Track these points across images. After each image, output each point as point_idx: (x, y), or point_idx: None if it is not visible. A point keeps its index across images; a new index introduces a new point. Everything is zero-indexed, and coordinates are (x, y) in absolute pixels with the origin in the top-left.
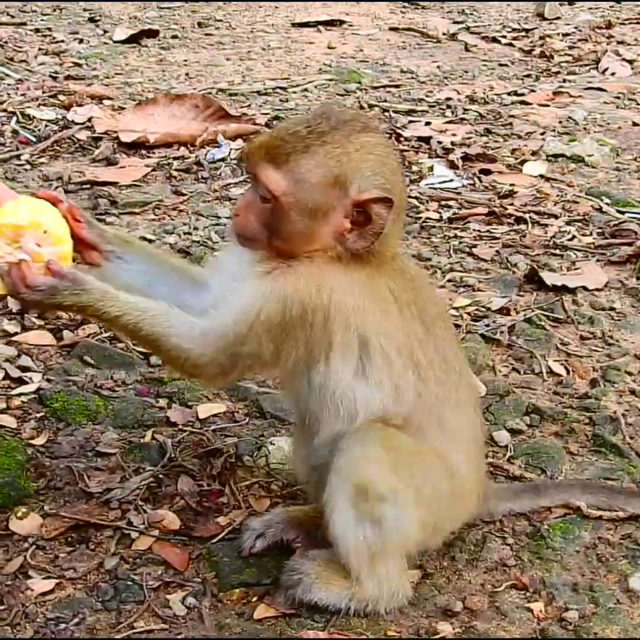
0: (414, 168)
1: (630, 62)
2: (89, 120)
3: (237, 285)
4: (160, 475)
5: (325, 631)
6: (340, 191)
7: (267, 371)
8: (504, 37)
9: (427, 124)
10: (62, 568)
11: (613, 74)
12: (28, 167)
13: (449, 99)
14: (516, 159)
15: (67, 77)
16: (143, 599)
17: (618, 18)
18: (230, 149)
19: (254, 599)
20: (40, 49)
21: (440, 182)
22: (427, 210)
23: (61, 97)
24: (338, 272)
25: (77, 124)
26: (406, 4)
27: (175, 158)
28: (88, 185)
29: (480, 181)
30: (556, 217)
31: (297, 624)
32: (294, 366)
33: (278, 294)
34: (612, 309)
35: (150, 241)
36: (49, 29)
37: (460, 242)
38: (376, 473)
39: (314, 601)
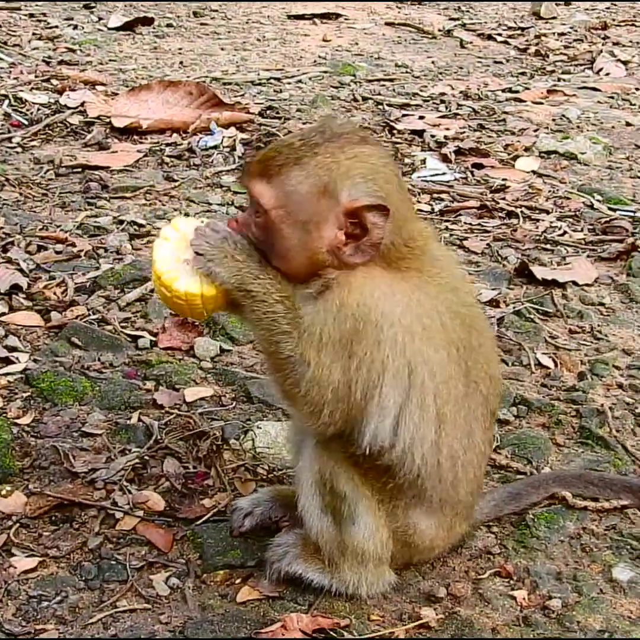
0: (407, 160)
1: (625, 63)
2: (82, 105)
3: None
4: (146, 457)
5: (308, 614)
6: (330, 200)
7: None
8: (500, 35)
9: (421, 117)
10: (46, 546)
11: (607, 74)
12: (19, 150)
13: (443, 94)
14: (509, 154)
15: (61, 62)
16: (126, 579)
17: (614, 19)
18: (223, 137)
19: (238, 580)
20: (34, 34)
21: (432, 175)
22: (419, 202)
23: (54, 82)
24: (381, 280)
25: (69, 108)
26: (403, 2)
27: (167, 144)
28: (79, 169)
29: (473, 175)
30: (548, 212)
31: (280, 607)
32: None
33: (327, 314)
34: (602, 304)
35: (140, 226)
36: (44, 14)
37: (451, 235)
38: (339, 473)
39: (298, 574)
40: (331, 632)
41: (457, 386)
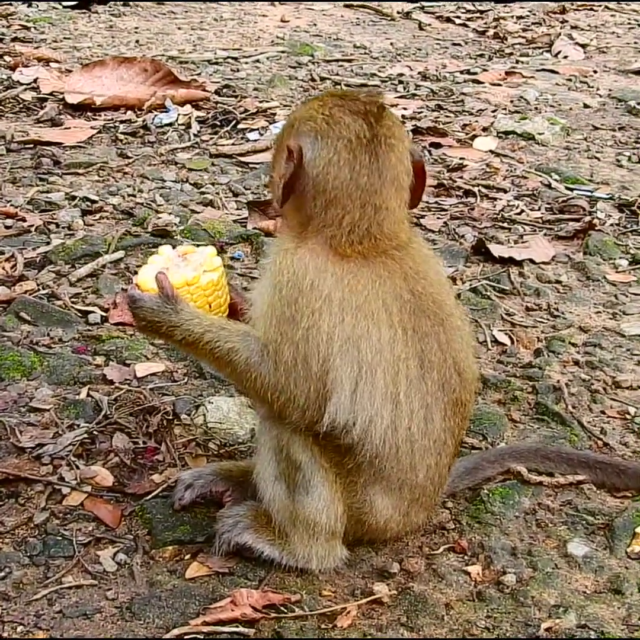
0: None
1: (583, 46)
2: (35, 81)
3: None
4: (95, 432)
5: (258, 589)
6: (283, 137)
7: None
8: (458, 17)
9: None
10: None
11: (566, 57)
12: None
13: (401, 74)
14: (467, 134)
15: (14, 40)
16: (72, 555)
17: (572, 3)
18: (178, 114)
19: (187, 556)
20: None
21: None
22: None
23: (7, 59)
24: (318, 255)
25: (22, 84)
26: None
27: (122, 121)
28: (31, 145)
29: (430, 154)
30: (505, 191)
31: (230, 582)
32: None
33: (268, 283)
34: (559, 282)
35: (93, 202)
36: None
37: (408, 213)
38: (296, 442)
39: (248, 544)
40: (282, 608)
41: (409, 367)
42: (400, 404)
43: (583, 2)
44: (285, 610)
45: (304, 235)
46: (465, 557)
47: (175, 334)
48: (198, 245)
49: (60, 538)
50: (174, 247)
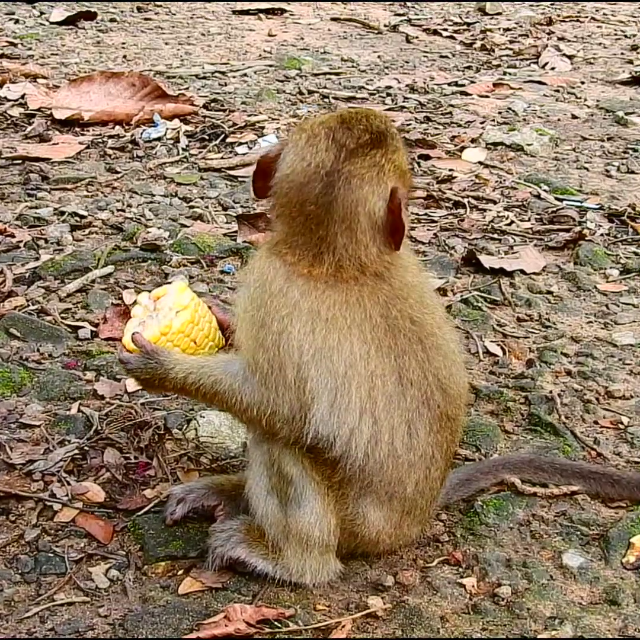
0: None
1: (570, 57)
2: (22, 97)
3: None
4: (86, 448)
5: (252, 604)
6: None
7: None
8: (445, 30)
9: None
10: None
11: (553, 68)
12: None
13: (389, 87)
14: (455, 146)
15: (1, 56)
16: (64, 571)
17: (559, 15)
18: (167, 129)
19: (180, 572)
20: None
21: None
22: None
23: None
24: (287, 269)
25: (9, 100)
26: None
27: (110, 136)
28: (19, 161)
29: (419, 166)
30: (495, 202)
31: (224, 597)
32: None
33: (243, 287)
34: (550, 292)
35: (81, 217)
36: None
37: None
38: (287, 456)
39: (241, 559)
40: (276, 623)
41: (386, 384)
42: (379, 419)
43: (569, 14)
44: (280, 625)
45: (279, 244)
46: (460, 570)
47: (167, 384)
48: (169, 280)
49: (51, 555)
50: (149, 291)
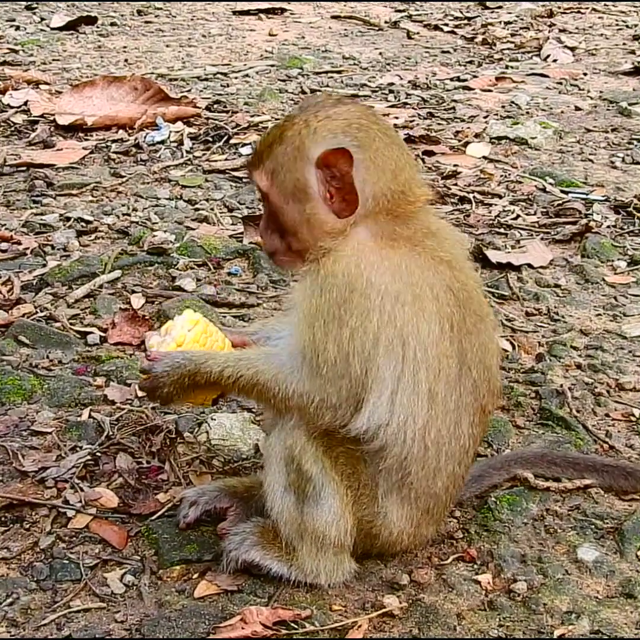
0: None
1: (572, 49)
2: (25, 104)
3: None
4: (98, 454)
5: (268, 606)
6: (304, 161)
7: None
8: (446, 25)
9: (370, 108)
10: None
11: (555, 60)
12: None
13: (391, 84)
14: (459, 141)
15: (3, 63)
16: (80, 578)
17: (559, 7)
18: (170, 132)
19: (195, 575)
20: None
21: None
22: None
23: None
24: (369, 249)
25: (12, 107)
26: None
27: (113, 141)
28: (24, 168)
29: (424, 162)
30: (500, 197)
31: (239, 600)
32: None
33: (314, 286)
34: (557, 286)
35: (87, 222)
36: None
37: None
38: (308, 453)
39: (256, 561)
40: (292, 624)
41: (450, 365)
42: (437, 403)
43: (570, 5)
44: (296, 627)
45: (344, 237)
46: (475, 566)
47: (199, 379)
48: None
49: (66, 561)
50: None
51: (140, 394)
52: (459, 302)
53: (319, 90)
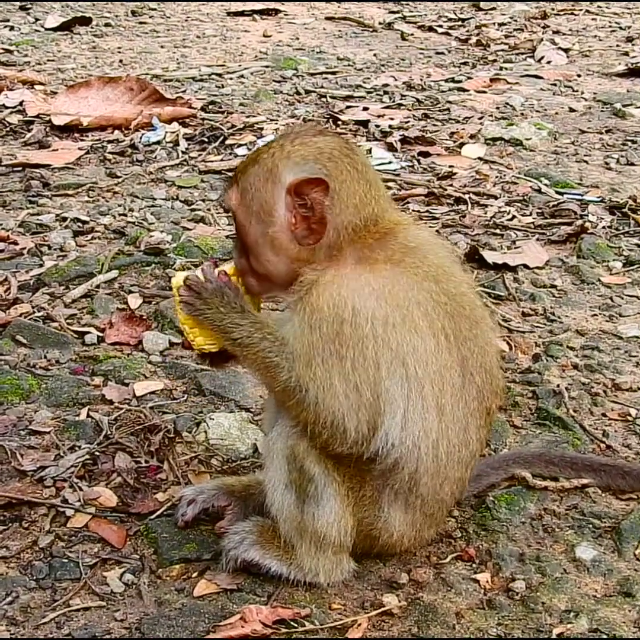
0: None
1: (566, 50)
2: (20, 104)
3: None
4: (96, 453)
5: (267, 605)
6: (275, 183)
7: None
8: (440, 26)
9: (365, 109)
10: None
11: (549, 62)
12: None
13: (386, 85)
14: (454, 142)
15: None
16: (79, 577)
17: (553, 8)
18: (166, 132)
19: (194, 574)
20: None
21: (378, 164)
22: None
23: None
24: (351, 278)
25: (7, 108)
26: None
27: (109, 141)
28: (19, 168)
29: (419, 163)
30: (496, 197)
31: (239, 599)
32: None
33: (303, 324)
34: (554, 286)
35: (84, 223)
36: None
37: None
38: (310, 453)
39: (256, 560)
40: (292, 623)
41: (454, 376)
42: (446, 414)
43: (564, 7)
44: (296, 625)
45: (326, 264)
46: (474, 565)
47: (233, 332)
48: None
49: (66, 560)
50: None
51: (181, 290)
52: (450, 312)
53: (314, 92)
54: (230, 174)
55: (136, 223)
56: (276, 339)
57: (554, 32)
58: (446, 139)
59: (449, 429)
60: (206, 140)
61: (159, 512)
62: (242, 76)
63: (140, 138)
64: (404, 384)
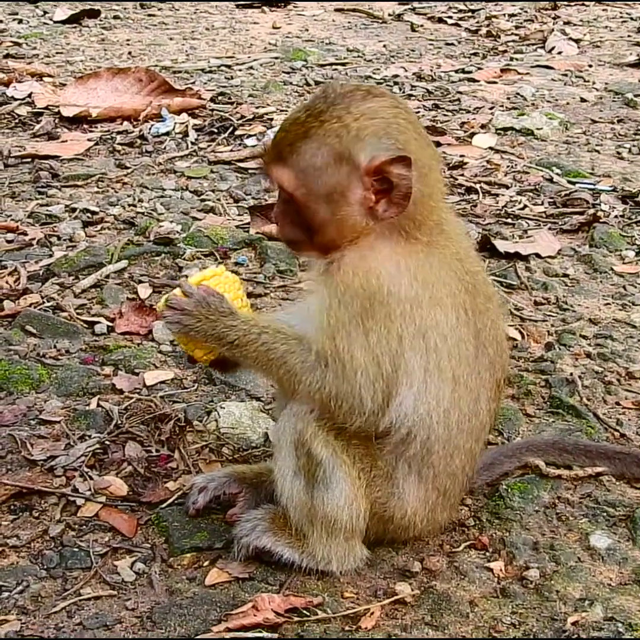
0: None
1: (577, 41)
2: (29, 96)
3: (309, 305)
4: (107, 442)
5: (279, 593)
6: (348, 166)
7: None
8: (450, 17)
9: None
10: (5, 536)
11: (560, 52)
12: None
13: (396, 76)
14: (465, 132)
15: (6, 56)
16: (90, 566)
17: None
18: (175, 123)
19: (206, 563)
20: None
21: None
22: None
23: (0, 75)
24: (386, 257)
25: (16, 99)
26: None
27: (118, 132)
28: (29, 159)
29: None
30: (507, 187)
31: (251, 587)
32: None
33: (333, 298)
34: (566, 275)
35: (93, 213)
36: None
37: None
38: (317, 437)
39: (268, 548)
40: (304, 611)
41: (468, 348)
42: (460, 385)
43: None
44: (308, 614)
45: (361, 242)
46: (487, 554)
47: (228, 335)
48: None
49: (76, 549)
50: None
51: (164, 311)
52: (469, 289)
53: (323, 82)
54: (240, 162)
55: (145, 213)
56: (277, 327)
57: (564, 23)
58: (457, 129)
59: (461, 399)
60: (215, 131)
61: (169, 501)
62: (251, 68)
63: (150, 129)
64: (424, 356)
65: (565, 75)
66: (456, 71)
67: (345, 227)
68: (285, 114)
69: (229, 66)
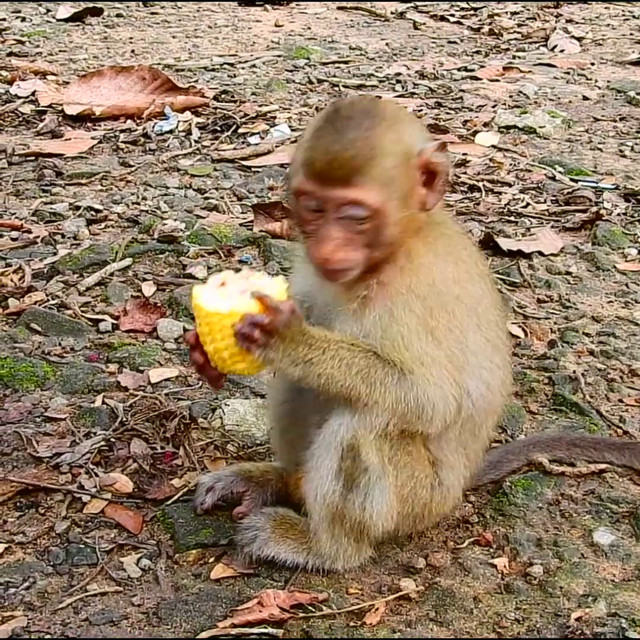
0: None
1: (579, 39)
2: (33, 94)
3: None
4: (112, 439)
5: (285, 589)
6: (410, 166)
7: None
8: (453, 15)
9: (377, 97)
10: (11, 533)
11: (562, 50)
12: None
13: (398, 74)
14: (468, 130)
15: (10, 54)
16: (96, 562)
17: None
18: (178, 121)
19: (211, 559)
20: None
21: None
22: None
23: (3, 73)
24: (423, 252)
25: (20, 98)
26: None
27: (122, 130)
28: (33, 158)
29: None
30: (510, 185)
31: (256, 584)
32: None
33: (396, 304)
34: (569, 273)
35: (97, 211)
36: None
37: None
38: (372, 443)
39: (270, 556)
40: (309, 607)
41: (497, 315)
42: (499, 350)
43: None
44: (313, 610)
45: (411, 243)
46: (491, 550)
47: (306, 355)
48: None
49: (82, 546)
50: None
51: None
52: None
53: (326, 81)
54: (243, 160)
55: (149, 211)
56: (350, 344)
57: (567, 21)
58: (459, 127)
59: (504, 362)
60: (219, 129)
61: (175, 498)
62: (254, 66)
63: (153, 127)
64: (477, 331)
65: (568, 73)
66: (459, 69)
67: (408, 229)
68: (288, 112)
69: (231, 64)
